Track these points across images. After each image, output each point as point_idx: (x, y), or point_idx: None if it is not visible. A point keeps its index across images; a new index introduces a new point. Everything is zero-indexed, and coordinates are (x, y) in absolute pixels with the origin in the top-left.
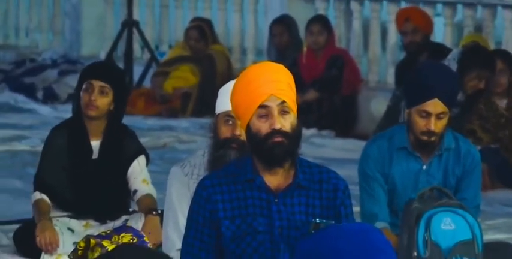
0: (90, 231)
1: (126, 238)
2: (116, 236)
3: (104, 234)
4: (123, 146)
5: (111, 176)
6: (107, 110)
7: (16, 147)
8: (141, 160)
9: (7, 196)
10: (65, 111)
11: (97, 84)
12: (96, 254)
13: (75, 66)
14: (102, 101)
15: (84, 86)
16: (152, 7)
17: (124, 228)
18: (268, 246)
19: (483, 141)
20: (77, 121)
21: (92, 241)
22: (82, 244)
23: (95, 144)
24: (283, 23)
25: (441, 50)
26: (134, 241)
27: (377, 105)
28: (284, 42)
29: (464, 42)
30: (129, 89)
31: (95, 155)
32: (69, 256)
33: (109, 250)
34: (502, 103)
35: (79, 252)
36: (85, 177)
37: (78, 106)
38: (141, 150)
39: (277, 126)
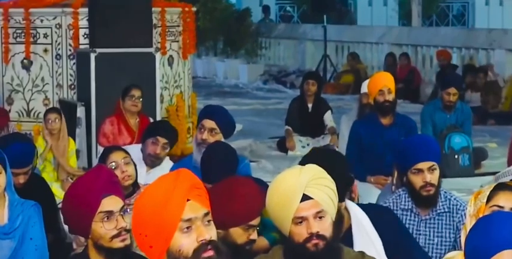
0: (307, 142)
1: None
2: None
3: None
4: (321, 105)
5: (317, 118)
6: (315, 90)
7: (277, 106)
8: (329, 112)
9: (274, 128)
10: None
11: (310, 81)
12: None
13: (303, 73)
14: (314, 88)
15: (305, 82)
16: (336, 48)
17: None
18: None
19: (470, 102)
20: (302, 96)
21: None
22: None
23: (310, 105)
24: (392, 55)
25: (455, 67)
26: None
27: (428, 90)
28: (391, 63)
29: (465, 63)
30: (324, 82)
31: (310, 110)
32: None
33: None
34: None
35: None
36: (304, 118)
37: (302, 90)
38: (328, 107)
39: (387, 98)
